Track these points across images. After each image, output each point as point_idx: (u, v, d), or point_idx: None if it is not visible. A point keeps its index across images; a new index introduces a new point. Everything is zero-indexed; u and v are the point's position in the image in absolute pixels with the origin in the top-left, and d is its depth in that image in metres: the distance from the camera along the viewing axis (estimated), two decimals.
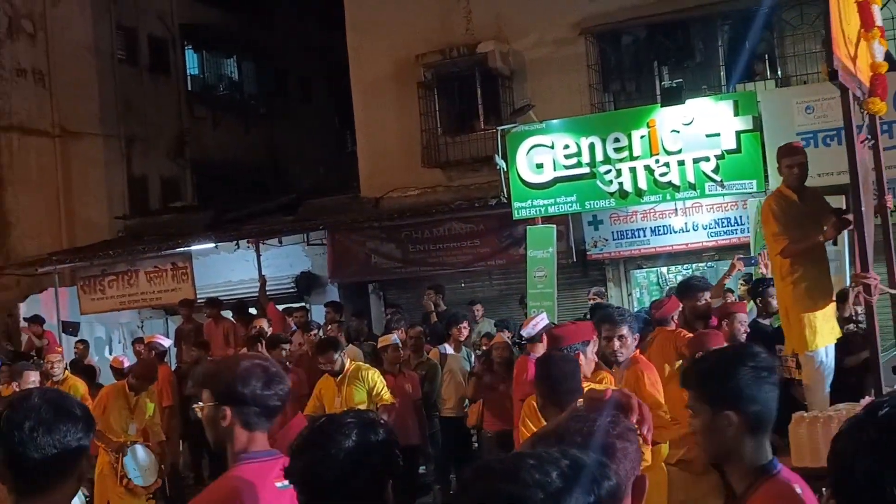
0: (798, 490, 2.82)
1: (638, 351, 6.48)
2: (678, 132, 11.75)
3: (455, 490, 1.54)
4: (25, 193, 20.13)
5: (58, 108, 21.09)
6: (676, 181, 11.75)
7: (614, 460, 2.63)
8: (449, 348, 11.01)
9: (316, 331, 11.98)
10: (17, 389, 8.59)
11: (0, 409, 2.80)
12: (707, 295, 8.10)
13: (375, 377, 9.30)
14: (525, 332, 8.51)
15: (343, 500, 2.56)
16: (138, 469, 9.12)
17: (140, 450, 9.32)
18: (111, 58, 22.54)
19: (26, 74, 20.75)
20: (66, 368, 11.50)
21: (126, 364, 12.12)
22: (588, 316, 11.42)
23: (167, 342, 12.68)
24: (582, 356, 5.44)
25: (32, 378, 8.59)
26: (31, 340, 16.09)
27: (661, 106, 12.08)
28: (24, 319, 17.05)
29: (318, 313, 14.69)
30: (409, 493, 9.97)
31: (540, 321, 8.50)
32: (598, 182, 12.15)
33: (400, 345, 10.26)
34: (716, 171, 11.53)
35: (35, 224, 20.07)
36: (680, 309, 8.16)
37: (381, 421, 2.75)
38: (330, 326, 12.31)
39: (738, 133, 11.47)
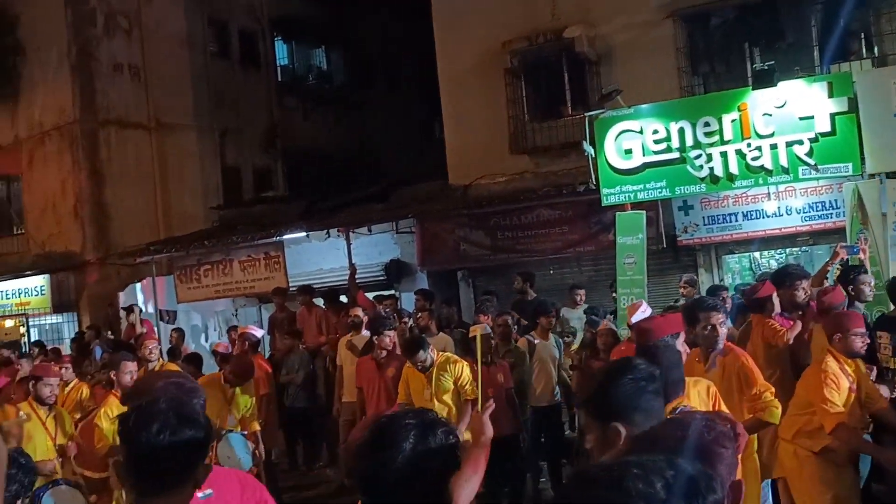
0: None
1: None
2: (770, 115, 11.50)
3: (557, 496, 1.53)
4: (124, 186, 20.69)
5: (153, 102, 21.62)
6: (769, 165, 11.51)
7: (711, 465, 2.64)
8: (539, 338, 10.98)
9: (407, 319, 12.08)
10: (114, 378, 8.84)
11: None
12: (805, 284, 7.94)
13: (463, 369, 9.32)
14: (634, 321, 8.46)
15: (404, 500, 2.57)
16: (233, 457, 9.28)
17: (235, 438, 9.47)
18: (203, 51, 23.02)
19: (123, 70, 21.31)
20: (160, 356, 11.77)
21: (227, 350, 12.39)
22: (676, 304, 11.38)
23: (259, 333, 12.91)
24: None
25: (130, 368, 8.77)
26: (129, 329, 16.56)
27: (753, 89, 11.80)
28: (122, 309, 17.56)
29: (407, 301, 14.84)
30: (507, 484, 9.98)
31: (644, 308, 8.48)
32: (689, 167, 11.96)
33: (491, 334, 10.15)
34: (809, 154, 11.26)
35: (133, 216, 20.62)
36: (772, 294, 8.04)
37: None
38: (420, 314, 12.39)
39: (833, 115, 11.16)
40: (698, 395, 5.19)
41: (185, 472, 2.83)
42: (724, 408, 5.35)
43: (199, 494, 3.23)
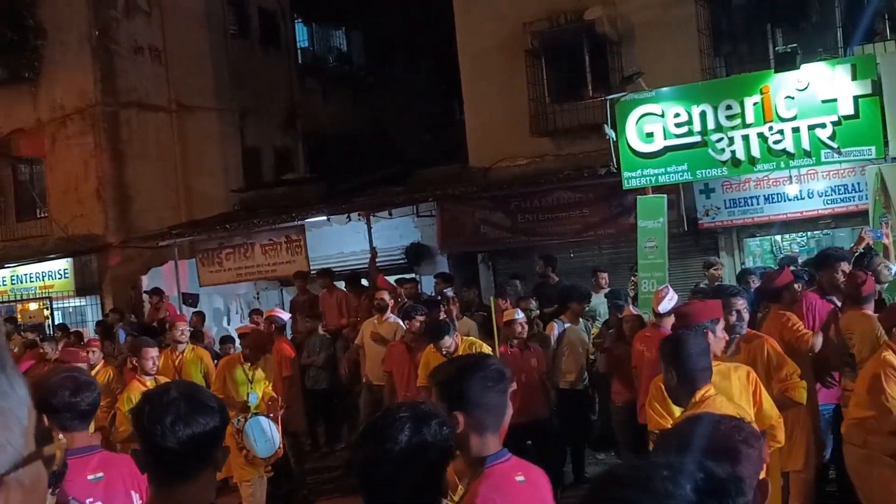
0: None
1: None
2: (793, 98, 11.43)
3: (584, 495, 1.53)
4: (145, 168, 20.79)
5: (173, 84, 21.66)
6: (791, 149, 11.45)
7: (739, 465, 2.66)
8: (568, 323, 10.94)
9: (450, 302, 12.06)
10: (136, 365, 8.90)
11: (140, 405, 2.97)
12: (845, 266, 7.91)
13: (482, 351, 9.35)
14: (661, 308, 8.45)
15: (401, 492, 2.64)
16: (259, 441, 9.35)
17: (261, 421, 9.54)
18: (223, 32, 23.03)
19: (143, 52, 21.36)
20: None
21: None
22: (699, 288, 11.34)
23: (286, 316, 12.97)
24: (711, 335, 5.37)
25: (151, 354, 8.84)
26: (152, 311, 16.68)
27: (775, 72, 11.73)
28: (145, 292, 17.67)
29: (428, 284, 14.86)
30: (543, 467, 9.98)
31: (671, 295, 8.48)
32: (710, 150, 11.92)
33: (524, 320, 10.10)
34: (832, 137, 11.19)
35: (154, 198, 20.72)
36: (792, 282, 8.01)
37: (435, 412, 2.80)
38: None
39: (856, 98, 11.08)
40: (738, 381, 5.19)
41: (202, 459, 2.88)
42: (764, 393, 5.36)
43: (90, 477, 3.73)
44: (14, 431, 0.86)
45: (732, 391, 5.08)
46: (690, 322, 5.48)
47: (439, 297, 11.92)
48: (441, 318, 10.82)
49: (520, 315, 10.02)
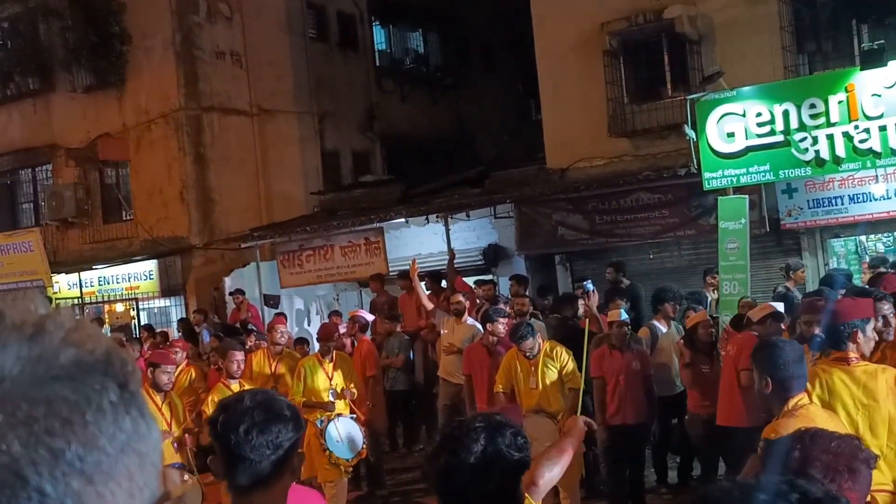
0: None
1: None
2: (879, 96, 11.20)
3: None
4: (226, 171, 21.11)
5: (254, 88, 21.96)
6: (877, 147, 11.22)
7: (857, 484, 2.62)
8: (661, 326, 10.78)
9: (503, 306, 12.09)
10: (221, 367, 9.07)
11: (216, 413, 3.04)
12: None
13: (566, 356, 9.31)
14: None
15: (476, 501, 2.69)
16: (341, 443, 9.45)
17: (344, 423, 9.64)
18: (303, 36, 23.28)
19: (224, 56, 21.69)
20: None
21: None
22: (780, 290, 11.15)
23: (370, 317, 13.10)
24: (861, 334, 5.15)
25: (237, 357, 9.01)
26: (234, 312, 16.97)
27: (861, 69, 11.50)
28: (228, 293, 17.98)
29: (505, 285, 14.85)
30: (633, 474, 9.89)
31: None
32: (793, 150, 11.72)
33: (627, 320, 9.87)
34: None
35: (236, 200, 21.04)
36: None
37: (511, 423, 2.82)
38: (517, 300, 12.42)
39: None
40: (886, 383, 4.97)
41: (278, 466, 2.92)
42: None
43: None
44: (151, 474, 0.89)
45: (878, 392, 4.91)
46: (840, 320, 5.22)
47: (577, 292, 11.82)
48: (580, 312, 10.78)
49: (623, 316, 9.81)
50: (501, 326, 10.17)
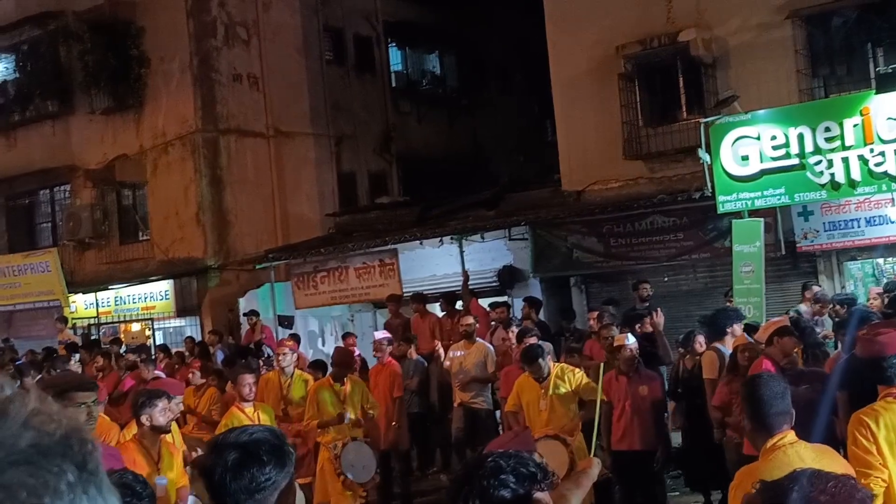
0: None
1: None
2: (895, 119, 11.19)
3: None
4: (243, 193, 21.23)
5: (271, 110, 22.09)
6: (893, 171, 11.19)
7: None
8: (726, 348, 10.53)
9: (515, 328, 12.09)
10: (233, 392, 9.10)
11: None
12: None
13: (579, 377, 9.29)
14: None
15: None
16: (355, 467, 9.45)
17: (358, 447, 9.64)
18: (319, 59, 23.41)
19: (242, 79, 21.84)
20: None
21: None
22: (795, 312, 11.06)
23: (388, 334, 13.12)
24: None
25: (248, 380, 9.03)
26: (249, 333, 17.01)
27: (876, 93, 11.49)
28: (243, 314, 18.03)
29: (520, 308, 14.85)
30: (646, 499, 9.82)
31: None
32: (808, 173, 11.71)
33: (635, 346, 9.69)
34: None
35: (252, 222, 21.14)
36: None
37: (529, 458, 2.76)
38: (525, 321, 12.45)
39: None
40: None
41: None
42: None
43: None
44: None
45: None
46: (885, 353, 4.82)
47: (639, 312, 11.78)
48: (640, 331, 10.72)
49: (630, 340, 9.70)
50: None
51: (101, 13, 21.73)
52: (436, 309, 15.31)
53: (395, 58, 26.27)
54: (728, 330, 10.07)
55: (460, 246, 15.43)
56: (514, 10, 23.33)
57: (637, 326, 11.03)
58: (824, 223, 13.81)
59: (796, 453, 4.11)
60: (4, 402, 0.89)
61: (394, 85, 25.78)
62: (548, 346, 11.42)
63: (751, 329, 9.46)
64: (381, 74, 25.25)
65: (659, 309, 11.19)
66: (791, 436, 4.28)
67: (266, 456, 2.96)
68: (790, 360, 7.98)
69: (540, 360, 9.14)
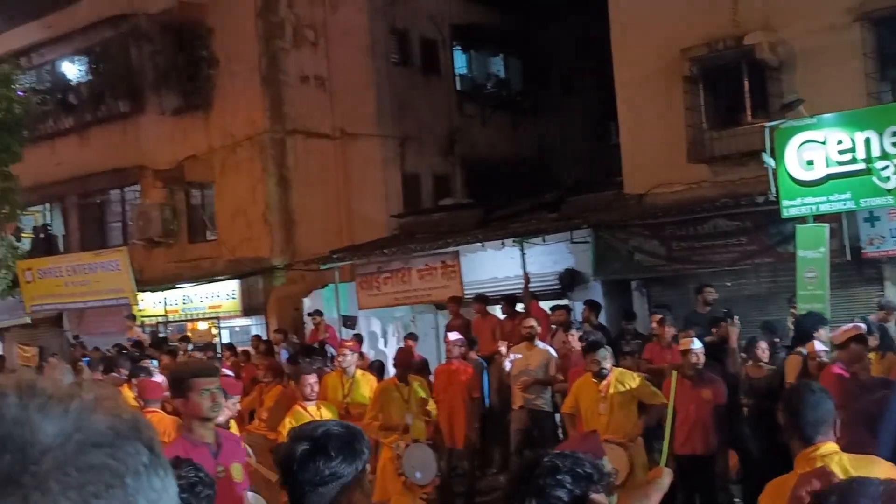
0: None
1: None
2: None
3: None
4: (309, 193, 21.48)
5: (337, 111, 22.33)
6: None
7: None
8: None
9: (575, 332, 12.14)
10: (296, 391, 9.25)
11: None
12: None
13: (639, 381, 9.30)
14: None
15: None
16: (416, 468, 9.51)
17: (420, 448, 9.71)
18: (386, 60, 23.58)
19: (309, 81, 22.11)
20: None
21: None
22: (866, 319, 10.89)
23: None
24: None
25: (310, 381, 9.17)
26: (313, 333, 17.23)
27: None
28: (308, 314, 18.26)
29: (580, 311, 14.85)
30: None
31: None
32: (875, 178, 11.54)
33: (700, 350, 9.71)
34: None
35: (317, 222, 21.38)
36: None
37: (586, 459, 2.80)
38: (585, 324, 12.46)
39: None
40: None
41: (336, 498, 3.03)
42: None
43: None
44: None
45: None
46: None
47: (716, 316, 11.84)
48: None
49: (696, 345, 9.72)
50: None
51: (171, 15, 22.15)
52: (496, 311, 15.38)
53: (460, 60, 26.38)
54: (815, 335, 10.01)
55: (522, 248, 15.46)
56: (578, 12, 23.31)
57: (713, 329, 11.07)
58: (891, 229, 13.58)
59: (837, 464, 4.04)
60: (73, 387, 0.98)
61: (458, 87, 25.88)
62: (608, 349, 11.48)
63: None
64: (446, 77, 25.37)
65: (736, 318, 11.14)
66: (828, 447, 4.19)
67: (334, 451, 3.06)
68: (862, 367, 7.92)
69: (601, 349, 9.16)
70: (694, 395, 9.44)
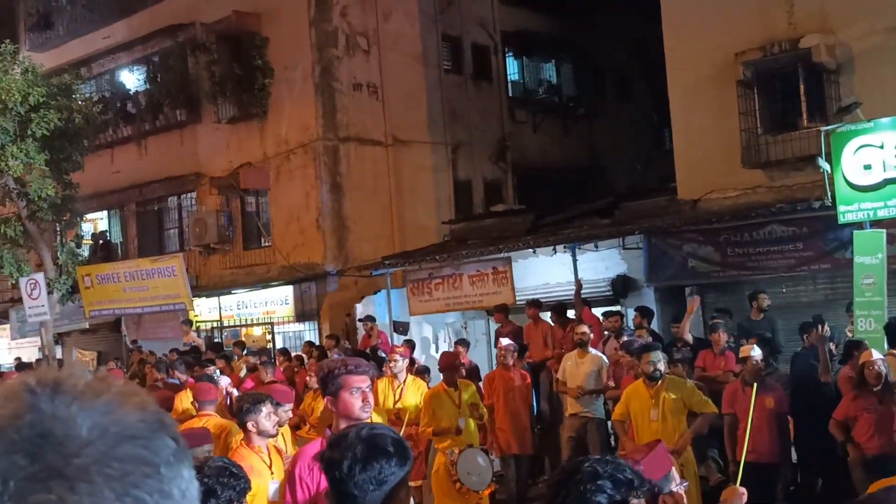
0: None
1: None
2: None
3: None
4: (361, 199, 21.61)
5: (389, 119, 22.44)
6: None
7: None
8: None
9: (627, 338, 12.07)
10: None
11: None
12: None
13: (690, 388, 9.23)
14: None
15: None
16: (471, 474, 9.48)
17: (475, 454, 9.69)
18: (437, 68, 23.68)
19: (361, 88, 22.24)
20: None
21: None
22: None
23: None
24: None
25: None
26: (365, 338, 17.29)
27: None
28: (359, 319, 18.35)
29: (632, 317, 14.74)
30: None
31: None
32: None
33: (760, 357, 9.71)
34: None
35: (370, 228, 21.51)
36: None
37: (624, 464, 2.80)
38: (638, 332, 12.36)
39: None
40: None
41: (382, 501, 3.02)
42: None
43: None
44: None
45: None
46: None
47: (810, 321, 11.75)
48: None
49: (755, 352, 9.66)
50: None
51: (227, 24, 22.41)
52: (546, 318, 15.31)
53: (512, 67, 26.37)
54: None
55: (573, 254, 15.39)
56: (631, 17, 23.20)
57: (805, 336, 11.15)
58: None
59: None
60: (98, 382, 1.02)
61: (510, 94, 25.88)
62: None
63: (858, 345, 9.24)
64: (498, 83, 25.38)
65: (826, 323, 11.02)
66: None
67: (392, 448, 3.07)
68: None
69: (655, 350, 9.10)
70: (756, 403, 9.31)
